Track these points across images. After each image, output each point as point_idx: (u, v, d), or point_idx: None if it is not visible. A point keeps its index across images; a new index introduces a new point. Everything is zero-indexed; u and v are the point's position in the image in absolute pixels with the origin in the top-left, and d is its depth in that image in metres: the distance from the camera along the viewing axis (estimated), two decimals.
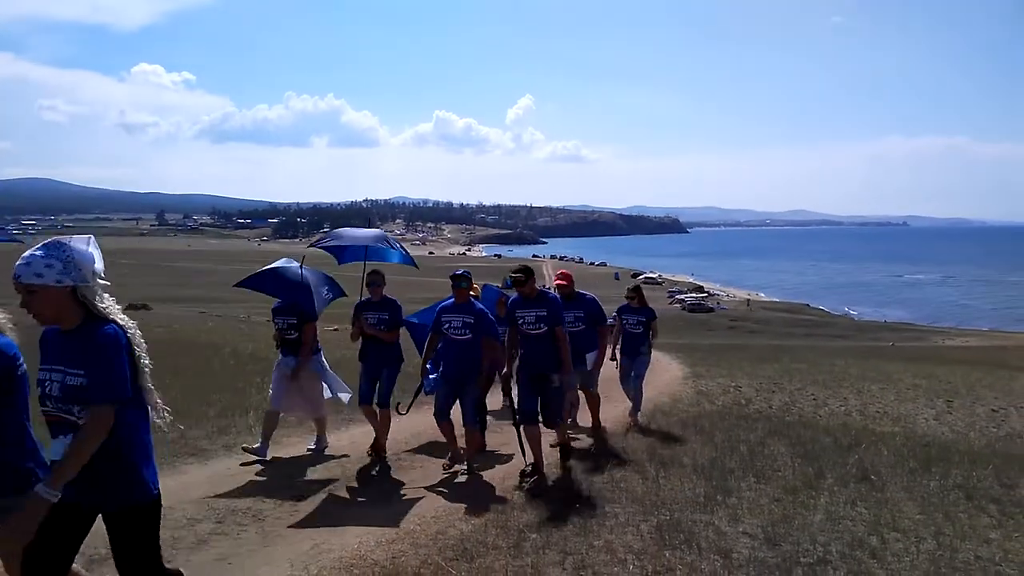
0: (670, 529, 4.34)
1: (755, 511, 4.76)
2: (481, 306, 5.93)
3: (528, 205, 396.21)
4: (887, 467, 6.04)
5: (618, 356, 8.15)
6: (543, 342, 5.62)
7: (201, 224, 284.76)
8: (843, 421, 9.01)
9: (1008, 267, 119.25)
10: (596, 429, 7.34)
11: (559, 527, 4.40)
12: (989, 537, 4.50)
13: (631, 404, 8.04)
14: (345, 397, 6.58)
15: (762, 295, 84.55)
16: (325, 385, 6.57)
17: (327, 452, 6.54)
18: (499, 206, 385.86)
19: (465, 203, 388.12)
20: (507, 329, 5.91)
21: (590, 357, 6.91)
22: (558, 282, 6.94)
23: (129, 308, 19.96)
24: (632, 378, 8.03)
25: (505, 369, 5.80)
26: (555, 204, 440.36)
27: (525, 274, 5.65)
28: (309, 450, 6.54)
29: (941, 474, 5.87)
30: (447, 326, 5.82)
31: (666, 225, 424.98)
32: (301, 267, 6.51)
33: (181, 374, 9.82)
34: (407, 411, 6.36)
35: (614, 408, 8.38)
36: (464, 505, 4.99)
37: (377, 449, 6.33)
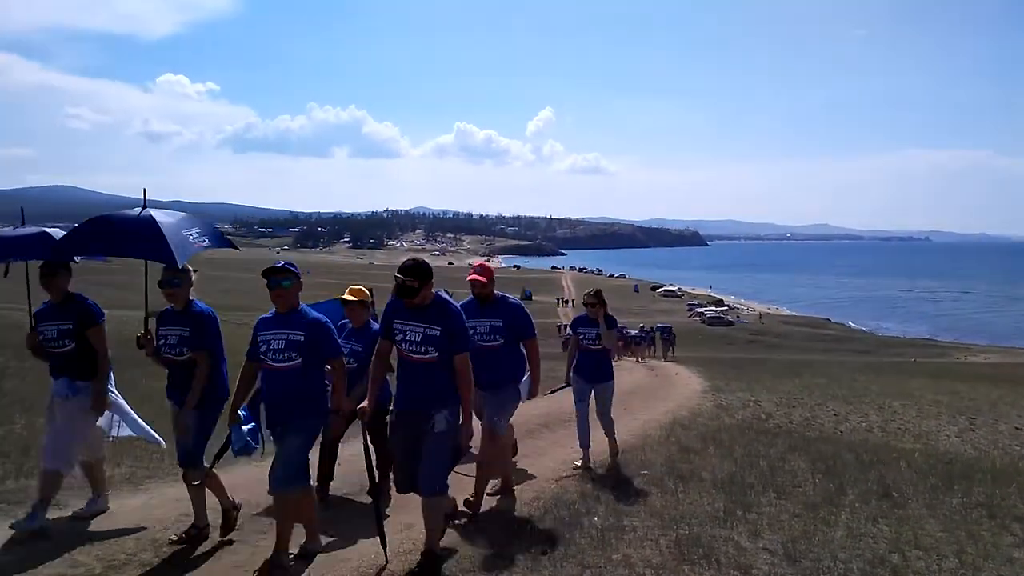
0: (689, 544, 4.33)
1: (775, 527, 4.73)
2: (317, 315, 4.04)
3: (548, 217, 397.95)
4: (909, 484, 5.98)
5: (572, 382, 6.62)
6: (431, 373, 3.88)
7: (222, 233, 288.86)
8: (864, 437, 8.91)
9: None
10: (506, 488, 5.37)
11: (577, 540, 4.40)
12: (1013, 556, 4.43)
13: (582, 449, 6.44)
14: (153, 436, 4.89)
15: (783, 309, 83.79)
16: (118, 420, 4.78)
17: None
18: (519, 217, 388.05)
19: (485, 214, 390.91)
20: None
21: (524, 386, 5.19)
22: (473, 277, 4.93)
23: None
24: (600, 415, 6.49)
25: (364, 403, 3.97)
26: (575, 216, 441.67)
27: (419, 277, 3.78)
28: (76, 515, 4.63)
29: (963, 492, 5.80)
30: (264, 348, 3.97)
31: (686, 238, 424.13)
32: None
33: None
34: (206, 473, 4.28)
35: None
36: (481, 517, 5.00)
37: (227, 523, 4.43)
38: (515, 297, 5.41)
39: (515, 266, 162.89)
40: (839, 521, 4.89)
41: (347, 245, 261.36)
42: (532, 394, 5.26)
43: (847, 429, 9.64)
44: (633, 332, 29.45)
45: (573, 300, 70.16)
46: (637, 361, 24.52)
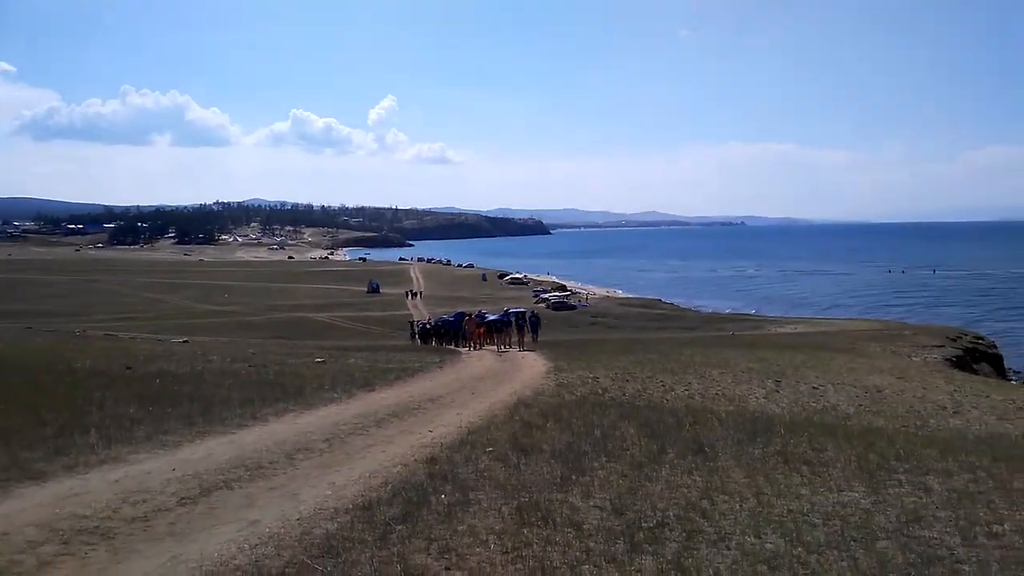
0: (529, 509, 4.65)
1: (605, 487, 5.19)
2: None
3: (393, 207, 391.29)
4: (720, 440, 6.76)
5: None
6: None
7: (24, 231, 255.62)
8: (686, 403, 9.87)
9: (828, 260, 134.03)
10: None
11: (424, 517, 4.57)
12: (800, 493, 5.19)
13: None
14: None
15: (619, 292, 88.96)
16: None
17: None
18: (363, 208, 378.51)
19: (327, 205, 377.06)
20: None
21: None
22: None
23: None
24: None
25: None
26: (421, 206, 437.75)
27: None
28: None
29: (764, 443, 6.67)
30: None
31: (530, 227, 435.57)
32: None
33: (9, 394, 8.94)
34: None
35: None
36: (329, 505, 5.02)
37: None
38: None
39: (361, 258, 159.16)
40: (660, 476, 5.46)
41: (172, 241, 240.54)
42: None
43: (672, 397, 10.61)
44: (492, 316, 27.23)
45: (422, 292, 69.96)
46: (499, 351, 21.23)
